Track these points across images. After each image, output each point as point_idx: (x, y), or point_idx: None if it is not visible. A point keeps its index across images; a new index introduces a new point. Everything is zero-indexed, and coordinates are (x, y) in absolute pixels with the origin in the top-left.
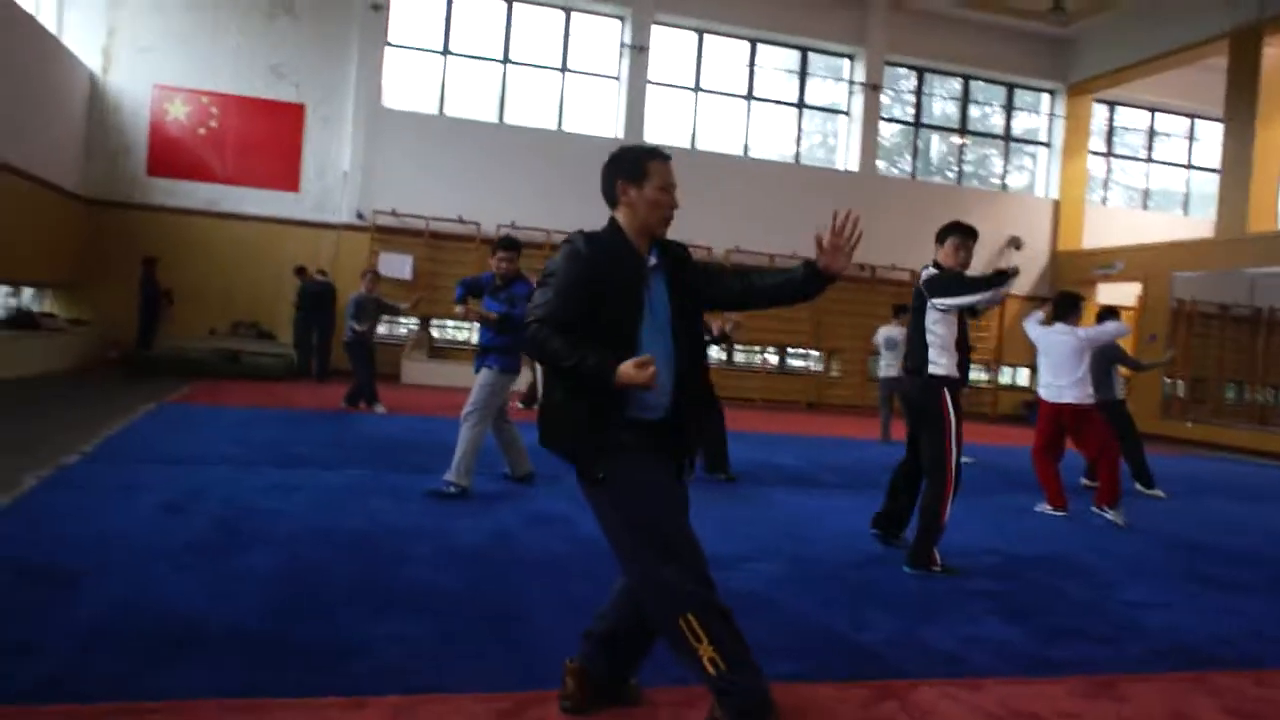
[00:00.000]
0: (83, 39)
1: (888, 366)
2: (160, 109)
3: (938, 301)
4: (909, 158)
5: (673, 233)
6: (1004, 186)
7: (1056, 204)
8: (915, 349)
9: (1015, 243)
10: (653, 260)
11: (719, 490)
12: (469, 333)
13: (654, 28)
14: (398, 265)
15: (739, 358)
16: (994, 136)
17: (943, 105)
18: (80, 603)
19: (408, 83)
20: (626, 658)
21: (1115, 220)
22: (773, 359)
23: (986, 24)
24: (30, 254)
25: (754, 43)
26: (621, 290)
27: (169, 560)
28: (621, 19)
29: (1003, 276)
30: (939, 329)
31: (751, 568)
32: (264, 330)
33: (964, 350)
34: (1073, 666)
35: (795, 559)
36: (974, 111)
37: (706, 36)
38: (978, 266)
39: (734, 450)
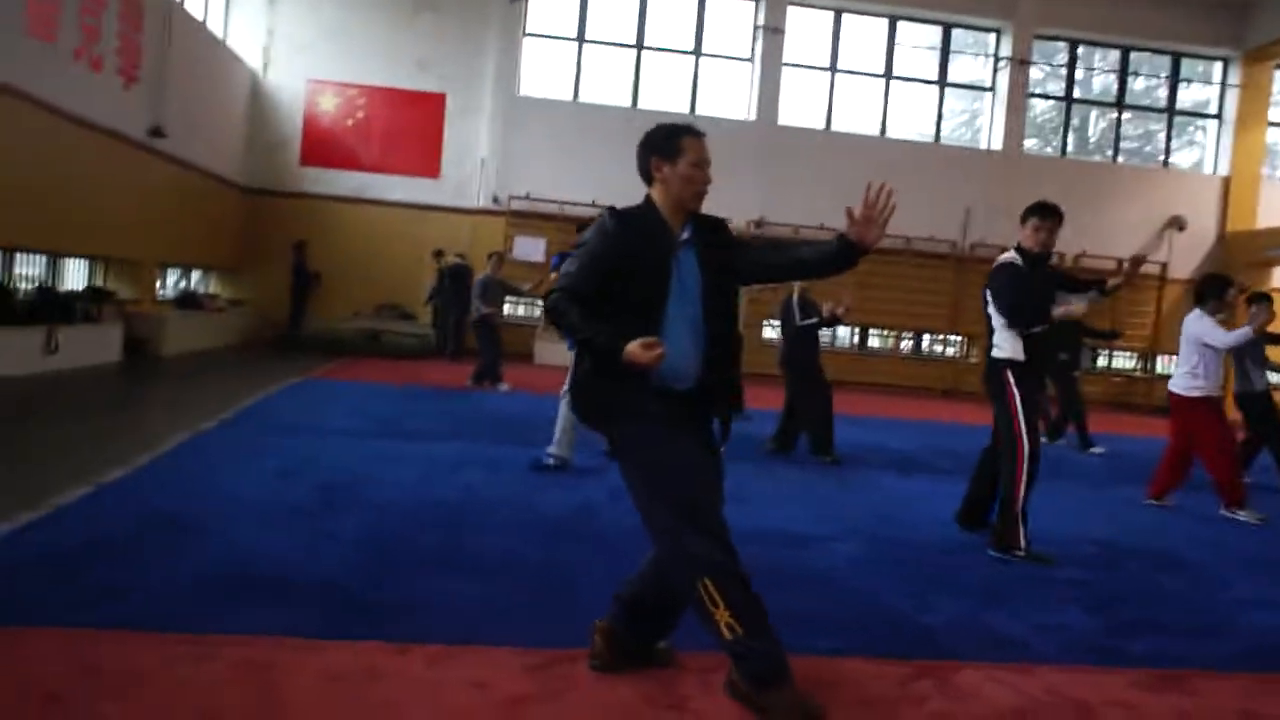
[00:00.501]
0: (246, 40)
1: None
2: (313, 102)
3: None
4: (1077, 136)
5: (803, 214)
6: (1166, 163)
7: (1226, 180)
8: (985, 332)
9: (1178, 223)
10: (685, 235)
11: (821, 472)
12: None
13: (790, 8)
14: (531, 248)
15: (874, 342)
16: (1156, 110)
17: (1104, 79)
18: (184, 550)
19: (545, 71)
20: (653, 622)
21: None
22: (907, 343)
23: None
24: (197, 240)
25: (893, 20)
26: (649, 265)
27: (270, 518)
28: (756, 1)
29: (1026, 318)
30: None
31: (832, 546)
32: (406, 311)
33: (1038, 338)
34: (1147, 659)
35: (879, 540)
36: (1139, 84)
37: (844, 16)
38: (1134, 248)
39: (853, 434)
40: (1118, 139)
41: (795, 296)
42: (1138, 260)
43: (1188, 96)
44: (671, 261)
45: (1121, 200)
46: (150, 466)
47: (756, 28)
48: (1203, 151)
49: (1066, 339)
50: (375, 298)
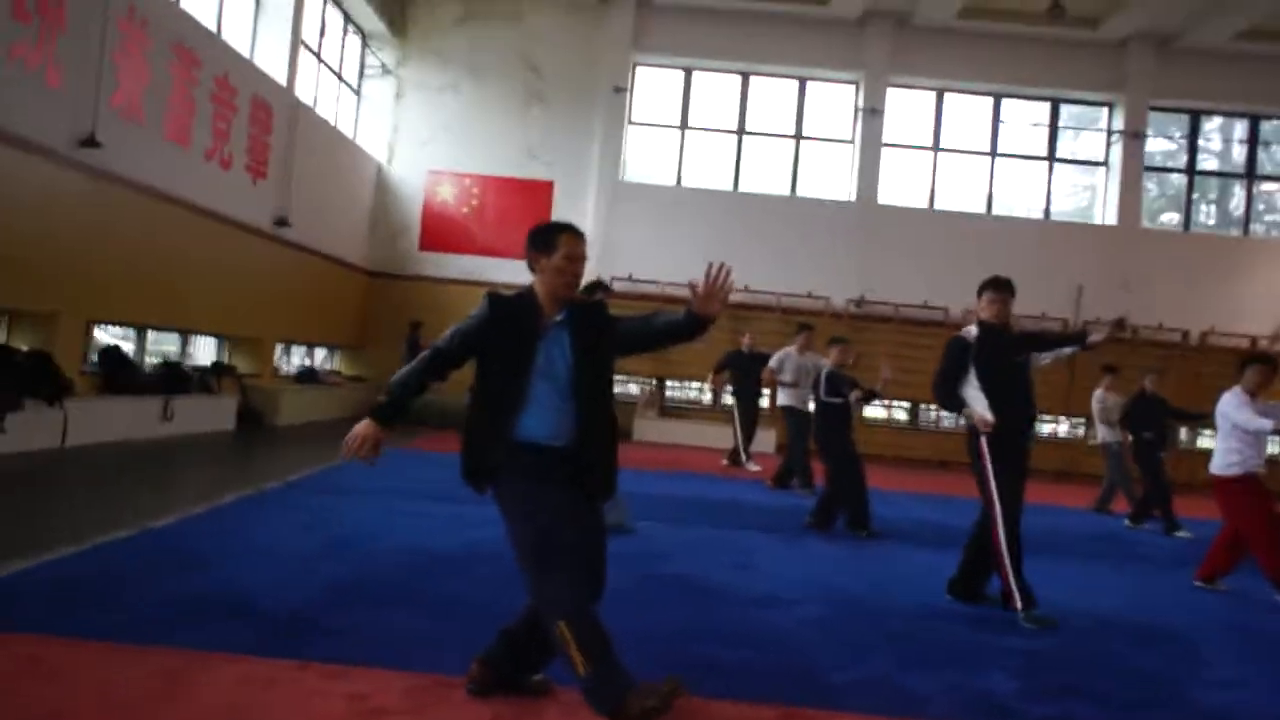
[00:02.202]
0: (374, 134)
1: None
2: (432, 191)
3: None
4: (1209, 208)
5: (903, 292)
6: None
7: None
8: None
9: None
10: (560, 318)
11: (848, 545)
12: (698, 392)
13: (890, 90)
14: None
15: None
16: None
17: (1242, 149)
18: (176, 580)
19: (649, 156)
20: (526, 656)
21: None
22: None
23: (1275, 55)
24: (319, 320)
25: (998, 97)
26: (514, 343)
27: (270, 559)
28: (855, 84)
29: (940, 393)
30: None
31: (799, 609)
32: None
33: (1007, 404)
34: None
35: (851, 605)
36: None
37: (946, 95)
38: (1268, 323)
39: (907, 509)
40: (1249, 211)
41: (824, 373)
42: (1120, 321)
43: None
44: (537, 342)
45: (1255, 274)
46: (199, 516)
47: (857, 110)
48: None
49: (1150, 418)
50: None
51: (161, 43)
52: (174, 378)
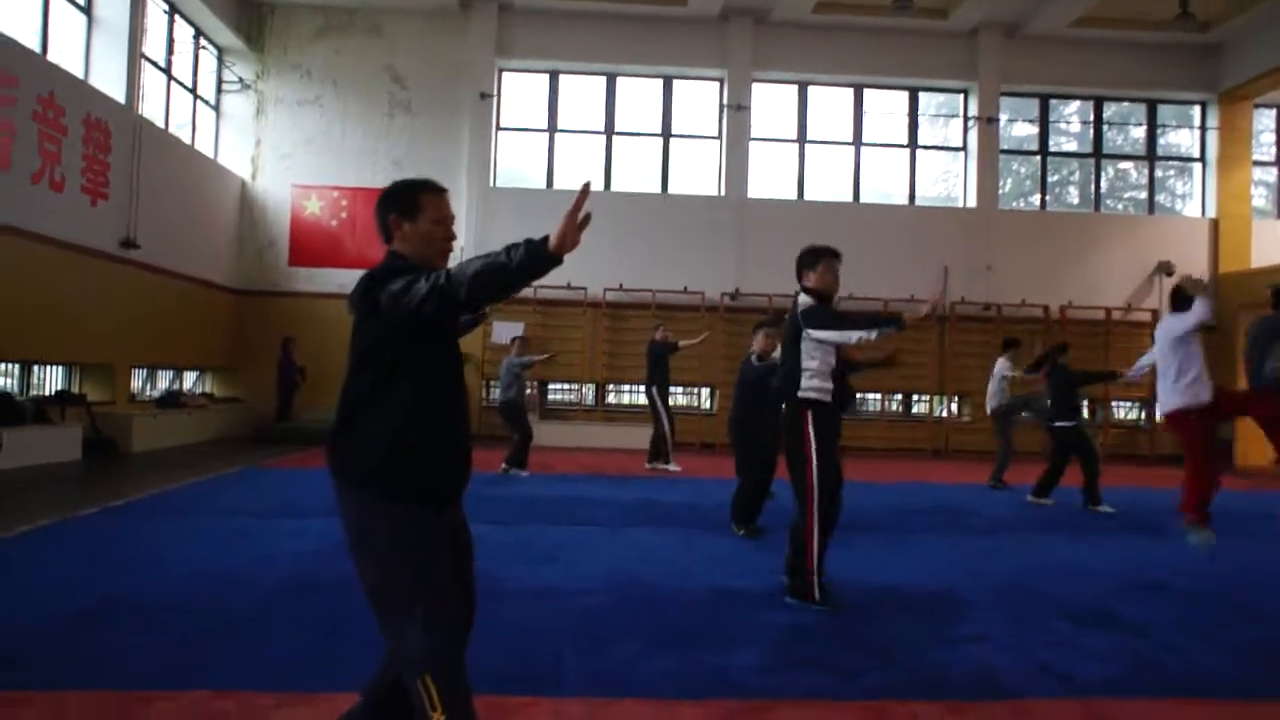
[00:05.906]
0: (235, 151)
1: (990, 397)
2: (299, 205)
3: (814, 334)
4: (1072, 188)
5: (777, 283)
6: (1151, 209)
7: (1215, 223)
8: (789, 374)
9: (1166, 268)
10: None
11: (675, 533)
12: (578, 395)
13: (754, 85)
14: (510, 331)
15: (870, 405)
16: (1134, 157)
17: (1093, 129)
18: None
19: (518, 161)
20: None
21: None
22: (895, 406)
23: (1114, 41)
24: (179, 341)
25: (859, 88)
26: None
27: (47, 582)
28: (720, 80)
29: (887, 322)
30: (816, 355)
31: (579, 599)
32: None
33: (841, 378)
34: (769, 692)
35: (639, 593)
36: (1137, 133)
37: (810, 88)
38: (1122, 296)
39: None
40: (1098, 188)
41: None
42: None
43: (1175, 140)
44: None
45: (1107, 249)
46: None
47: (723, 106)
48: (1189, 195)
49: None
50: None
51: None
52: (4, 409)
